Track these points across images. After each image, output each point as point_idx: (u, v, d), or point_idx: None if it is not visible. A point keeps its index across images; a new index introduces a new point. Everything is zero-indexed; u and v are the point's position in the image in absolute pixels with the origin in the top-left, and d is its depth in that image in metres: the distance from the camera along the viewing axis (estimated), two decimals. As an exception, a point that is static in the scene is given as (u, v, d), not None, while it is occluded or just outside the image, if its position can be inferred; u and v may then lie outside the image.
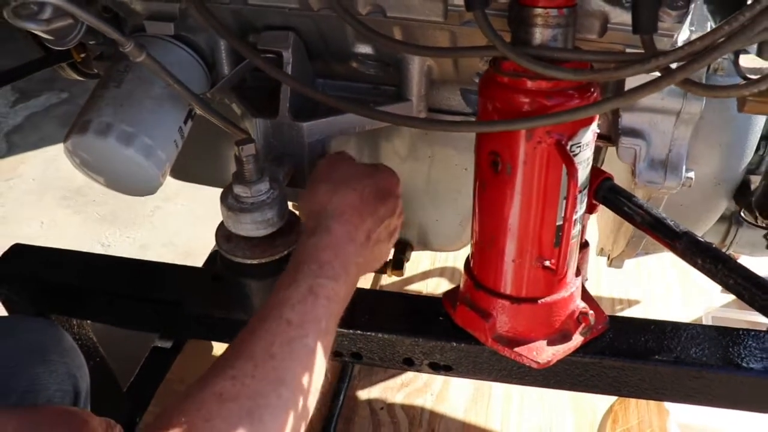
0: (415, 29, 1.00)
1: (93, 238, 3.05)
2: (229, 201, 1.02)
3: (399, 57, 1.10)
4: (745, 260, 1.56)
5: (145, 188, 1.19)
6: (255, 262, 1.04)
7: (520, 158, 0.87)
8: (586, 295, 1.07)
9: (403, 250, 1.55)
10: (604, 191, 0.99)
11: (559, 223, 0.91)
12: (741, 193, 1.24)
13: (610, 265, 1.42)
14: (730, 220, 1.36)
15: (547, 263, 0.94)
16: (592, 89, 0.87)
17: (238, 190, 1.00)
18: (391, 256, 1.60)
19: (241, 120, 1.18)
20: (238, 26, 1.12)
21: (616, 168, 1.09)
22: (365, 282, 2.03)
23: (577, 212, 0.92)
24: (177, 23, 1.14)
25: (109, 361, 1.64)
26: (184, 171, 1.63)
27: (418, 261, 2.19)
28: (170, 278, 1.26)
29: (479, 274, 1.02)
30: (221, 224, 1.07)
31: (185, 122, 1.19)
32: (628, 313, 2.04)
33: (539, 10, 0.82)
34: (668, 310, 2.04)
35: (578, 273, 1.04)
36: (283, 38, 1.07)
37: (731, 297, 2.05)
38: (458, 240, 1.50)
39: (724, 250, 1.42)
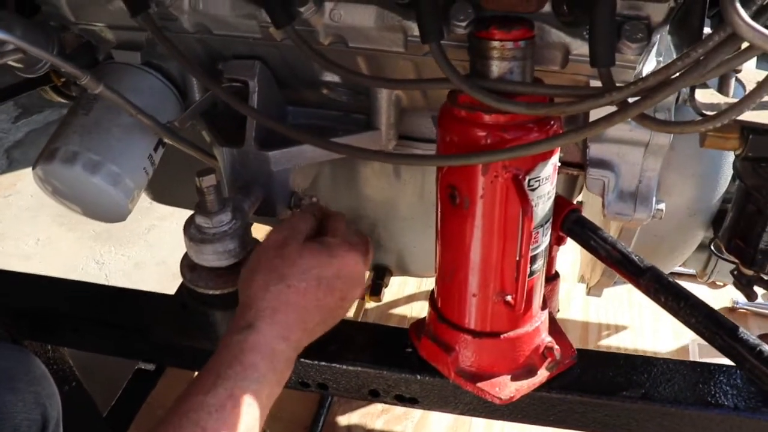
0: (380, 59, 1.00)
1: (88, 256, 3.05)
2: (191, 231, 1.01)
3: (367, 87, 1.09)
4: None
5: (113, 216, 1.18)
6: (218, 292, 1.03)
7: (477, 192, 0.85)
8: (554, 328, 1.05)
9: (381, 275, 1.54)
10: (569, 223, 0.98)
11: (519, 257, 0.90)
12: (719, 222, 1.22)
13: (588, 293, 1.40)
14: (710, 248, 1.34)
15: (509, 298, 0.93)
16: (552, 122, 0.85)
17: (200, 220, 1.00)
18: (369, 282, 1.59)
19: (211, 148, 1.17)
20: (207, 55, 1.12)
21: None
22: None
23: (538, 247, 0.90)
24: (148, 50, 1.13)
25: (89, 385, 1.63)
26: (166, 194, 1.63)
27: (404, 284, 2.17)
28: (139, 305, 1.25)
29: (442, 306, 1.00)
30: (186, 254, 1.06)
31: (156, 149, 1.19)
32: (615, 339, 2.02)
33: (495, 43, 0.81)
34: (656, 338, 2.02)
35: (545, 306, 1.02)
36: (248, 67, 1.07)
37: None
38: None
39: (705, 279, 1.40)
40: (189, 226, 1.02)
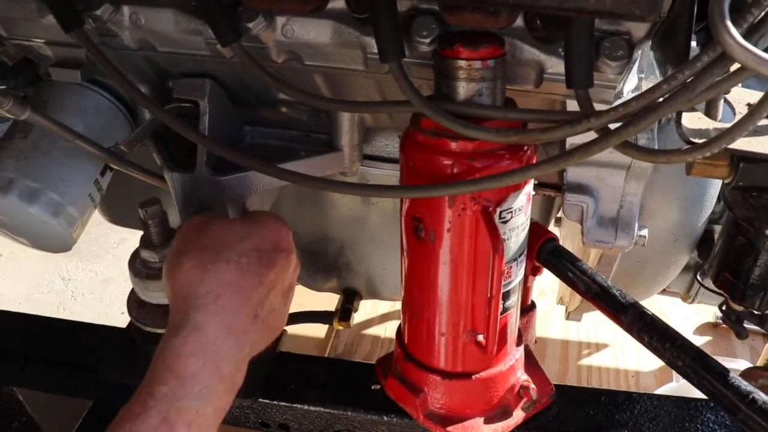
0: (339, 78, 0.92)
1: (53, 271, 2.95)
2: (136, 266, 0.93)
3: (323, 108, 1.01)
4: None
5: (56, 246, 1.10)
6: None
7: (443, 226, 0.78)
8: (530, 363, 0.98)
9: (351, 299, 1.46)
10: (545, 254, 0.91)
11: (490, 296, 0.82)
12: (704, 244, 1.16)
13: (567, 318, 1.33)
14: (695, 269, 1.27)
15: (480, 337, 0.85)
16: (525, 149, 0.78)
17: (145, 254, 0.92)
18: (338, 306, 1.51)
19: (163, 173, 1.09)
20: (155, 73, 1.03)
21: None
22: (319, 330, 1.94)
23: (511, 282, 0.83)
24: (90, 68, 1.05)
25: (47, 420, 1.54)
26: (124, 215, 1.54)
27: (377, 302, 2.09)
28: (88, 340, 1.17)
29: (409, 344, 0.93)
30: (133, 289, 0.98)
31: (103, 174, 1.10)
32: (596, 358, 1.95)
33: (461, 62, 0.73)
34: (639, 356, 1.95)
35: (520, 340, 0.95)
36: (198, 87, 0.99)
37: (708, 338, 1.97)
38: (408, 290, 1.41)
39: (689, 301, 1.34)
40: (134, 260, 0.94)
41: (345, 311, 1.43)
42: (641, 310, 0.80)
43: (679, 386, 1.71)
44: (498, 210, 0.77)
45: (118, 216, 1.54)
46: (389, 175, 1.09)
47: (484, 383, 0.89)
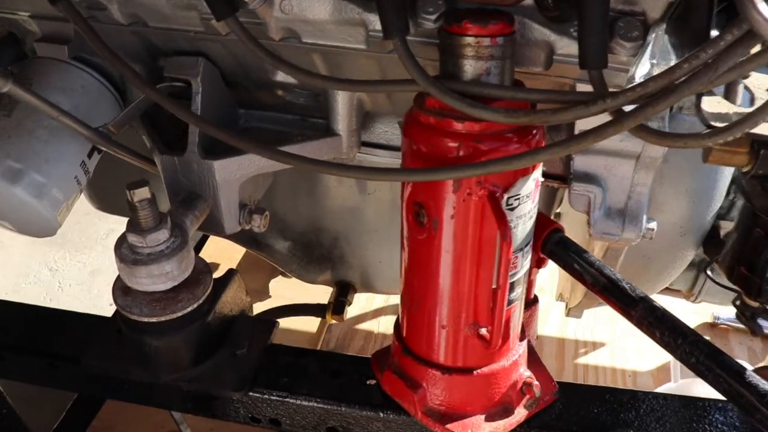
0: (338, 57, 0.88)
1: (41, 262, 2.90)
2: (122, 251, 0.89)
3: (325, 89, 0.97)
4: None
5: (40, 230, 1.05)
6: (153, 320, 0.91)
7: (446, 212, 0.74)
8: (533, 359, 0.95)
9: (344, 292, 1.42)
10: (551, 245, 0.87)
11: (496, 285, 0.79)
12: (710, 240, 1.12)
13: (567, 314, 1.29)
14: (699, 266, 1.24)
15: (483, 331, 0.81)
16: (534, 132, 0.74)
17: (133, 239, 0.87)
18: (332, 299, 1.47)
19: (152, 154, 1.04)
20: (146, 50, 0.99)
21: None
22: (311, 324, 1.90)
23: (516, 273, 0.79)
24: (78, 44, 1.00)
25: (32, 412, 1.49)
26: (112, 202, 1.49)
27: (371, 296, 2.05)
28: (72, 329, 1.12)
29: (408, 337, 0.89)
30: (119, 276, 0.93)
31: (90, 156, 1.06)
32: (592, 357, 1.91)
33: (469, 39, 0.69)
34: (636, 355, 1.91)
35: (523, 335, 0.91)
36: (191, 65, 0.95)
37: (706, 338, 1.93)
38: (404, 283, 1.37)
39: (692, 299, 1.30)
40: (121, 244, 0.89)
41: (338, 304, 1.39)
42: (652, 304, 0.76)
43: (678, 386, 1.67)
44: (505, 196, 0.73)
45: (106, 203, 1.49)
46: (388, 163, 1.05)
47: (485, 379, 0.86)
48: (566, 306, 1.31)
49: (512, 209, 0.74)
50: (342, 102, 0.98)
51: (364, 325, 1.97)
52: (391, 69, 0.87)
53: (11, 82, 0.81)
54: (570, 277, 1.26)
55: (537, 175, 0.77)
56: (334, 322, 1.42)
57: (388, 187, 1.20)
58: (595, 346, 1.94)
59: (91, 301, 2.67)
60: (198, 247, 2.36)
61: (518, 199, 0.74)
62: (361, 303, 1.99)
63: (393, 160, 1.08)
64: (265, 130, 1.07)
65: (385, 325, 1.98)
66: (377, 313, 2.01)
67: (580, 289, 1.20)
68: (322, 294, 1.56)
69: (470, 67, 0.71)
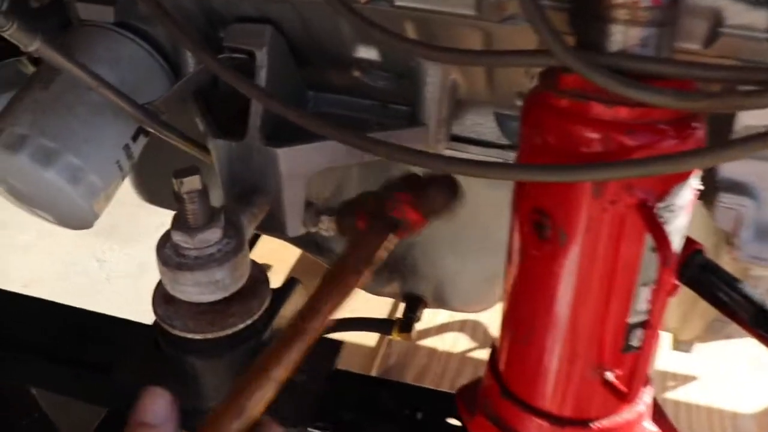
0: (435, 26, 0.72)
1: (88, 252, 2.84)
2: (165, 252, 0.74)
3: (413, 66, 0.81)
4: None
5: (75, 220, 0.92)
6: (198, 337, 0.76)
7: (580, 223, 0.57)
8: (656, 411, 0.77)
9: (414, 307, 1.25)
10: (693, 269, 0.69)
11: (634, 320, 0.61)
12: None
13: (675, 348, 1.11)
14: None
15: (610, 376, 0.64)
16: (695, 125, 0.57)
17: (178, 238, 0.72)
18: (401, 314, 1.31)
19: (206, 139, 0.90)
20: (206, 17, 0.85)
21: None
22: (369, 337, 1.74)
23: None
24: (125, 7, 0.87)
25: (64, 419, 1.37)
26: (159, 194, 1.36)
27: (436, 310, 1.87)
28: (107, 335, 0.98)
29: (508, 375, 0.72)
30: (160, 281, 0.79)
31: (135, 138, 0.92)
32: (681, 393, 1.70)
33: (623, -1, 0.52)
34: (735, 394, 1.68)
35: (647, 380, 0.73)
36: (256, 33, 0.80)
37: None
38: (483, 300, 1.21)
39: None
40: (164, 244, 0.75)
41: (407, 321, 1.23)
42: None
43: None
44: (659, 205, 0.55)
45: (155, 194, 1.36)
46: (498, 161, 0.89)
47: (605, 434, 0.68)
48: (673, 337, 1.12)
49: (666, 223, 0.57)
50: (432, 84, 0.81)
51: (428, 342, 1.80)
52: (500, 43, 0.71)
53: (39, 40, 0.66)
54: (681, 303, 1.07)
55: (695, 182, 0.59)
56: (399, 339, 1.26)
57: (476, 189, 1.03)
58: (686, 379, 1.73)
59: (137, 295, 2.57)
60: (249, 247, 2.23)
61: (673, 210, 0.57)
62: (424, 317, 1.83)
63: (483, 157, 0.92)
64: (338, 116, 0.91)
65: (450, 343, 1.81)
66: (442, 329, 1.84)
67: (699, 319, 1.01)
68: (380, 305, 1.40)
69: (621, 35, 0.54)
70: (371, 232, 0.71)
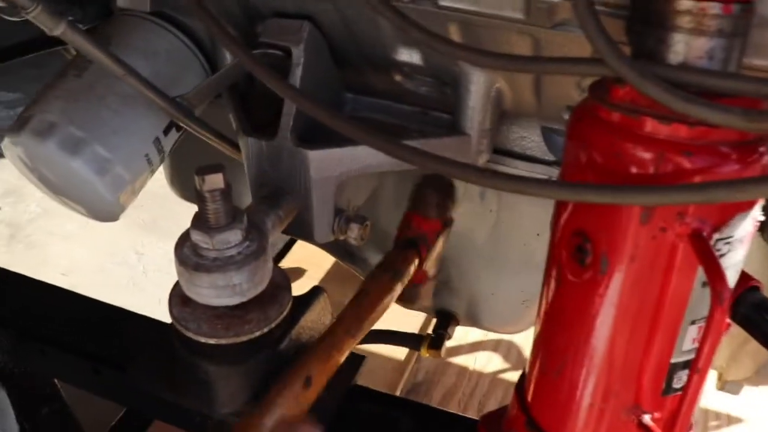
0: (480, 30, 0.67)
1: (128, 245, 2.86)
2: (184, 252, 0.71)
3: (456, 72, 0.77)
4: None
5: (101, 212, 0.89)
6: (212, 341, 0.72)
7: (625, 250, 0.52)
8: (696, 457, 0.70)
9: (445, 324, 1.20)
10: (747, 307, 0.62)
11: (678, 359, 0.56)
12: None
13: (721, 388, 1.03)
14: None
15: (647, 419, 0.59)
16: (762, 149, 0.51)
17: (197, 237, 0.69)
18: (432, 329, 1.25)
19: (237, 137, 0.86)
20: (244, 13, 0.82)
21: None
22: (399, 351, 1.68)
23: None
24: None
25: (87, 410, 1.36)
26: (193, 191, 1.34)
27: (469, 328, 1.82)
28: (124, 332, 0.96)
29: (535, 408, 0.67)
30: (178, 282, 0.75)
31: (166, 132, 0.89)
32: (725, 435, 1.61)
33: (688, 3, 0.47)
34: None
35: (690, 426, 0.67)
36: (294, 29, 0.76)
37: None
38: (517, 322, 1.15)
39: None
40: (183, 243, 0.71)
41: (437, 338, 1.18)
42: None
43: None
44: (714, 237, 0.50)
45: (190, 191, 1.34)
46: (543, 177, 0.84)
47: (639, 482, 0.62)
48: (719, 377, 1.05)
49: (722, 256, 0.51)
50: (476, 93, 0.77)
51: (459, 360, 1.74)
52: (549, 50, 0.66)
53: (65, 24, 0.64)
54: (732, 341, 1.00)
55: (757, 213, 0.53)
56: (428, 356, 1.21)
57: (514, 207, 0.98)
58: (730, 420, 1.63)
59: (174, 290, 2.58)
60: (285, 250, 2.20)
61: (730, 243, 0.52)
62: (457, 333, 1.77)
63: (527, 173, 0.87)
64: (376, 121, 0.87)
65: (481, 363, 1.75)
66: (474, 348, 1.78)
67: (749, 359, 0.94)
68: (410, 317, 1.35)
69: (683, 46, 0.49)
70: (396, 252, 0.69)
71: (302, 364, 0.59)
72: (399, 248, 0.70)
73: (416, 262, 0.69)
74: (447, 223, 0.72)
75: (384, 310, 0.65)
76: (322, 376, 0.60)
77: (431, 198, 0.72)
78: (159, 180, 1.37)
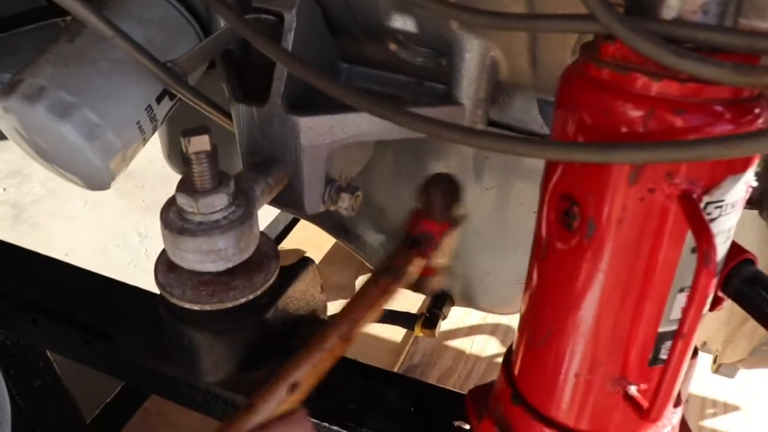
0: (474, -7, 0.66)
1: (131, 226, 2.87)
2: (169, 215, 0.70)
3: (450, 39, 0.75)
4: None
5: (91, 180, 0.89)
6: (197, 307, 0.71)
7: (613, 213, 0.50)
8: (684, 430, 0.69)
9: (440, 303, 1.19)
10: (740, 281, 0.61)
11: (666, 329, 0.54)
12: None
13: (716, 371, 1.02)
14: None
15: (633, 390, 0.57)
16: (757, 109, 0.49)
17: (182, 201, 0.68)
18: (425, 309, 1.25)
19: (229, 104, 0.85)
20: (238, -24, 0.80)
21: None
22: (396, 332, 1.67)
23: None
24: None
25: (83, 386, 1.36)
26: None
27: (468, 310, 1.80)
28: (113, 302, 0.95)
29: (522, 380, 0.66)
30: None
31: (159, 100, 0.88)
32: (721, 422, 1.59)
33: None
34: (776, 428, 1.58)
35: (678, 401, 0.66)
36: (286, -7, 0.75)
37: None
38: (512, 302, 1.14)
39: None
40: (169, 207, 0.71)
41: (431, 317, 1.17)
42: None
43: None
44: (705, 199, 0.49)
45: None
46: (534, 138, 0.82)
47: (625, 455, 0.61)
48: (714, 359, 1.04)
49: (712, 221, 0.50)
50: (471, 60, 0.76)
51: (456, 343, 1.73)
52: (542, 8, 0.65)
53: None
54: (726, 323, 0.99)
55: (750, 176, 0.52)
56: (422, 335, 1.20)
57: (510, 183, 0.97)
58: (726, 408, 1.62)
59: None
60: (285, 231, 2.20)
61: (721, 207, 0.50)
62: (455, 315, 1.76)
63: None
64: (370, 90, 0.86)
65: (479, 346, 1.74)
66: (472, 330, 1.76)
67: (743, 342, 0.93)
68: (412, 299, 1.34)
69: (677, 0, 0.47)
70: (400, 252, 0.69)
71: (289, 370, 0.58)
72: (403, 247, 0.69)
73: (419, 262, 0.68)
74: (456, 221, 0.71)
75: (380, 311, 0.65)
76: (311, 380, 0.59)
77: (437, 198, 0.71)
78: (161, 160, 1.37)
